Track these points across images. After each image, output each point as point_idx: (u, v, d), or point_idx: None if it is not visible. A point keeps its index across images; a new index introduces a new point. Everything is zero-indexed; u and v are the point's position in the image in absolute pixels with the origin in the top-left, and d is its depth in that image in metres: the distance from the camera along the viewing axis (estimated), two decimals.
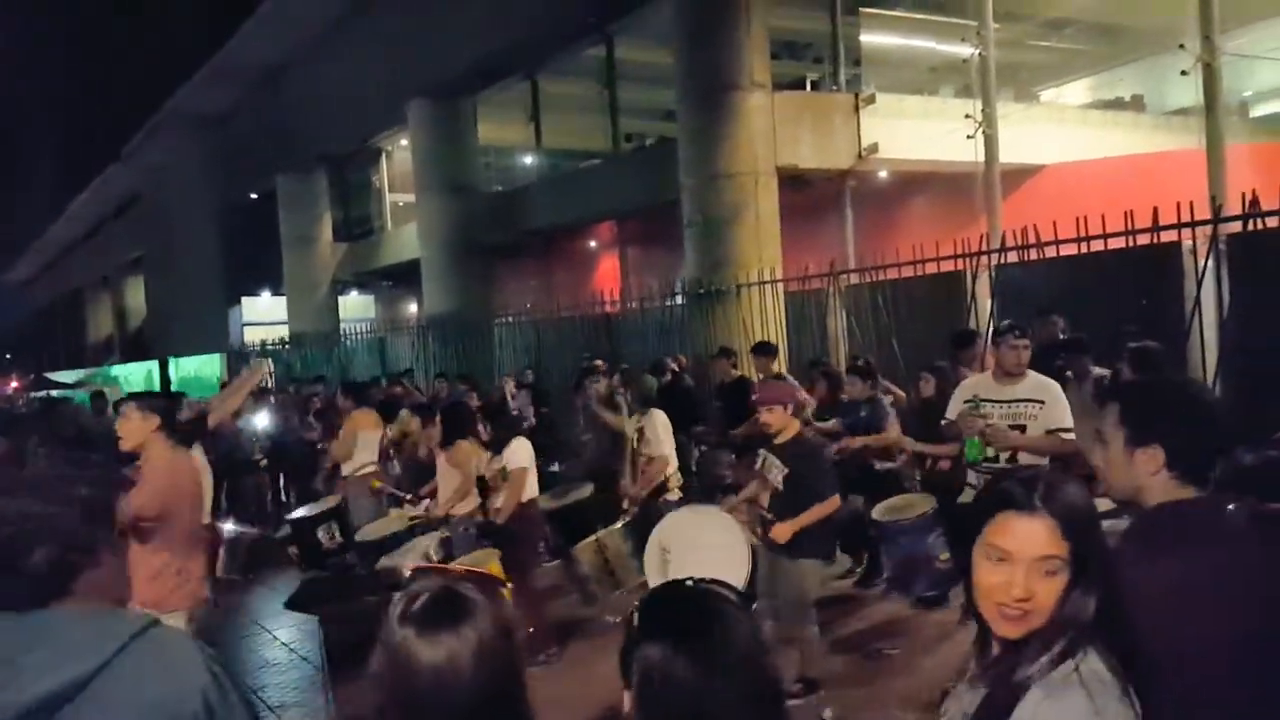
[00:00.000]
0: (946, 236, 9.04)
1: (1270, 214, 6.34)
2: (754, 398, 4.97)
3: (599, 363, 9.14)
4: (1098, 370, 5.34)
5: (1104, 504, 1.86)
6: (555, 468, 7.39)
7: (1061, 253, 7.85)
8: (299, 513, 7.12)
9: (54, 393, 25.66)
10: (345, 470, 7.41)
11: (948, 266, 9.22)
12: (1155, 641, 1.43)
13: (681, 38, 11.76)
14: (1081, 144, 15.09)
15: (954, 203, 13.91)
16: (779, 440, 4.65)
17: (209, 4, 22.14)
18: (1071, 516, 1.39)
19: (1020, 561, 1.38)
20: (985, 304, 8.59)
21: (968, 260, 8.84)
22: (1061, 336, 6.07)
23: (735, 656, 1.16)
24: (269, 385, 15.01)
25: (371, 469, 7.34)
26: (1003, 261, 8.50)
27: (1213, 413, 1.79)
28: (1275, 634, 1.34)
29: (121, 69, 30.81)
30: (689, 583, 1.30)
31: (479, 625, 1.21)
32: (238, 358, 22.25)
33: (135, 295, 39.78)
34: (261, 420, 9.85)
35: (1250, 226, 6.50)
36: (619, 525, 5.54)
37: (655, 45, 12.91)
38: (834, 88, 13.93)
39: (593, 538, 5.41)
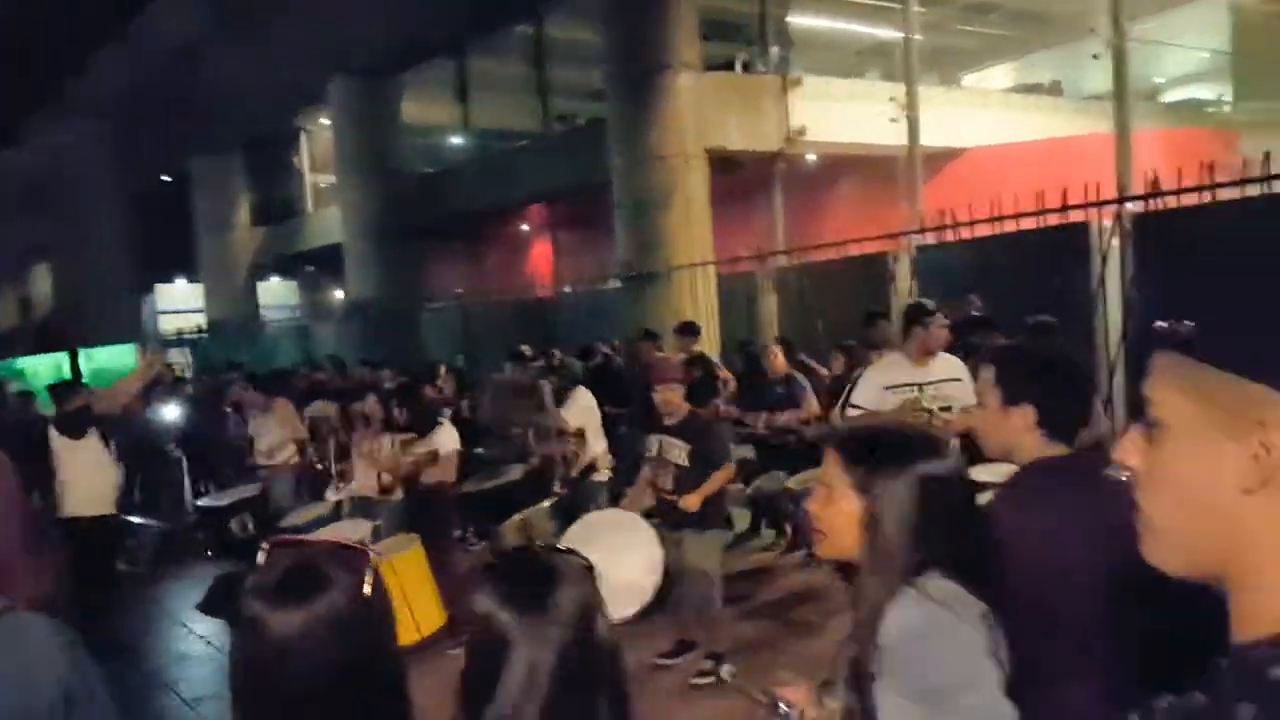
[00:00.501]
0: (872, 219, 9.23)
1: (1169, 193, 6.60)
2: (652, 377, 4.96)
3: (525, 348, 9.04)
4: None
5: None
6: (480, 451, 7.29)
7: (978, 233, 8.05)
8: (206, 501, 6.91)
9: None
10: (263, 460, 7.21)
11: (871, 248, 9.39)
12: (1025, 589, 1.52)
13: (609, 17, 11.64)
14: (1003, 128, 15.47)
15: (880, 185, 14.14)
16: (672, 421, 4.72)
17: None
18: (854, 448, 1.56)
19: (819, 488, 1.60)
20: (905, 284, 8.78)
21: (889, 242, 9.01)
22: (974, 315, 6.25)
23: (564, 617, 1.20)
24: (185, 375, 14.53)
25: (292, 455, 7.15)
26: (922, 243, 8.67)
27: (1081, 375, 1.91)
28: (1132, 584, 1.41)
29: (19, 47, 29.25)
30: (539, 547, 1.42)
31: (333, 599, 1.16)
32: (155, 347, 21.47)
33: (41, 284, 38.02)
34: (172, 411, 9.53)
35: (1151, 206, 6.76)
36: (545, 504, 5.54)
37: (586, 24, 12.76)
38: (762, 70, 13.99)
39: (518, 516, 5.40)
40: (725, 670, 4.48)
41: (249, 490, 6.81)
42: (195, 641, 6.13)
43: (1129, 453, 0.77)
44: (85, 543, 5.57)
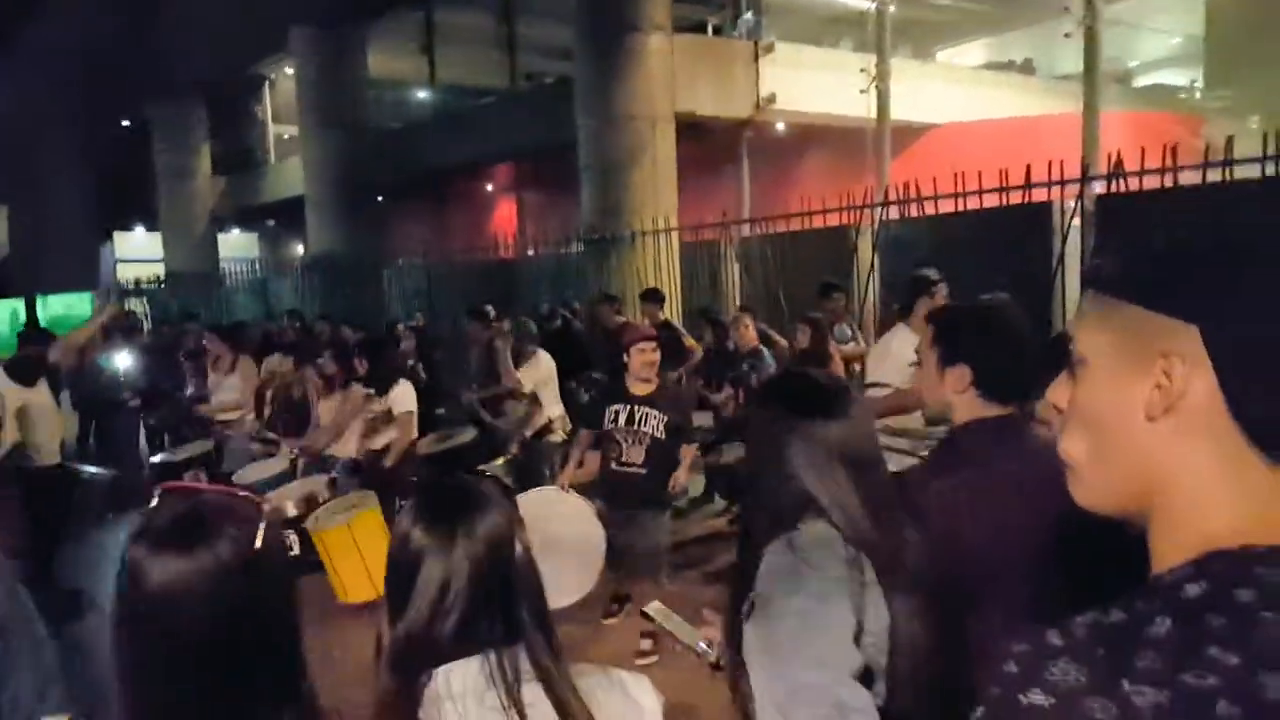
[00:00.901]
0: (839, 190, 9.18)
1: (1131, 174, 6.63)
2: (624, 339, 4.70)
3: (488, 308, 8.95)
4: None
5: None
6: (440, 412, 7.23)
7: (941, 209, 8.06)
8: (161, 457, 6.79)
9: None
10: (219, 415, 7.10)
11: (835, 220, 9.38)
12: (955, 543, 1.57)
13: None
14: (974, 105, 15.48)
15: (848, 157, 14.11)
16: (647, 390, 4.47)
17: None
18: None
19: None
20: (868, 258, 8.79)
21: (852, 214, 9.00)
22: None
23: (478, 536, 1.25)
24: (140, 325, 14.24)
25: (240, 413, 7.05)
26: (885, 217, 8.67)
27: (1020, 337, 1.89)
28: (1058, 541, 1.47)
29: None
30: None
31: (217, 550, 1.13)
32: (109, 296, 20.99)
33: None
34: (126, 360, 9.33)
35: (1114, 188, 6.79)
36: (499, 462, 5.48)
37: None
38: (735, 34, 13.84)
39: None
40: (654, 608, 4.44)
41: (203, 445, 6.70)
42: None
43: (1058, 395, 0.79)
44: (34, 492, 5.46)
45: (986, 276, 6.45)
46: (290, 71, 18.67)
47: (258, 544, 1.17)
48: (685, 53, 12.04)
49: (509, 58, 16.12)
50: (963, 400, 1.81)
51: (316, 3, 16.03)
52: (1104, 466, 0.74)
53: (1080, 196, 6.92)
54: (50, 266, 27.67)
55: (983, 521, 1.64)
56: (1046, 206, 7.24)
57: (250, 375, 7.18)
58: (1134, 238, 0.84)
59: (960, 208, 7.89)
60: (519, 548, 1.28)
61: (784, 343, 7.32)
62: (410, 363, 7.81)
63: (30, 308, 22.74)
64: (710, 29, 14.48)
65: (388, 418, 5.46)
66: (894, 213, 8.71)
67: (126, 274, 23.35)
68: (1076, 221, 6.90)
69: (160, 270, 21.10)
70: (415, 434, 5.65)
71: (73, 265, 25.88)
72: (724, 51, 13.14)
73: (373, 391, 5.58)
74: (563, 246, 11.96)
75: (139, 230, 25.72)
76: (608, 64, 11.10)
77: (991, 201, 7.61)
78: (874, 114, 12.83)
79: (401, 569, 1.25)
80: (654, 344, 4.49)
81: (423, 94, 19.77)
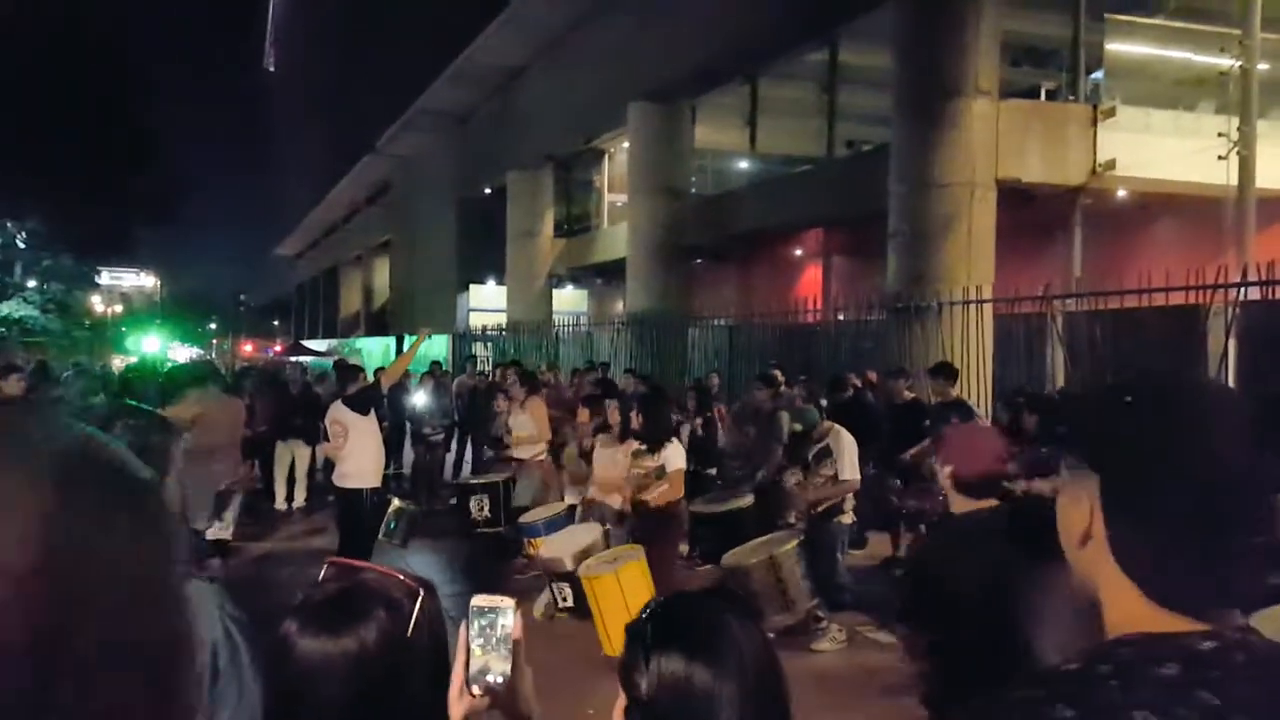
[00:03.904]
0: (1189, 266, 8.11)
1: None
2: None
3: (777, 372, 8.97)
4: None
5: None
6: (712, 471, 7.34)
7: None
8: (460, 479, 7.52)
9: (307, 359, 28.72)
10: (515, 452, 7.71)
11: (1180, 298, 8.30)
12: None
13: (903, 40, 11.32)
14: None
15: (1203, 230, 12.47)
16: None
17: (454, 8, 23.78)
18: None
19: None
20: (1220, 343, 7.66)
21: (1203, 293, 7.90)
22: None
23: (744, 662, 1.19)
24: (484, 368, 16.04)
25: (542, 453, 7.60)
26: (1244, 297, 7.53)
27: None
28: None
29: (378, 68, 33.85)
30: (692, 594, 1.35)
31: (363, 634, 1.15)
32: (462, 340, 23.81)
33: (381, 275, 43.55)
34: (422, 399, 10.64)
35: None
36: (792, 545, 5.37)
37: (881, 48, 12.44)
38: (1070, 97, 12.88)
39: (767, 555, 5.31)
40: None
41: (498, 476, 7.33)
42: None
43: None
44: (354, 511, 6.25)
45: None
46: (626, 144, 20.25)
47: (409, 631, 1.17)
48: (1013, 117, 11.41)
49: (828, 126, 16.24)
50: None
51: (653, 80, 17.32)
52: (1072, 561, 0.97)
53: None
54: (419, 311, 32.05)
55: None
56: None
57: (540, 418, 7.73)
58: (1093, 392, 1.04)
59: None
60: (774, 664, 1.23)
61: None
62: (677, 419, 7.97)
63: (399, 345, 26.41)
64: (1044, 94, 13.60)
65: (660, 473, 5.63)
66: (1254, 293, 7.54)
67: (477, 321, 26.24)
68: None
69: (503, 319, 23.53)
70: (683, 491, 5.76)
71: (437, 311, 29.76)
72: (1056, 115, 12.27)
73: (644, 447, 5.79)
74: (865, 313, 11.70)
75: (490, 283, 28.92)
76: (925, 130, 10.83)
77: None
78: (1233, 181, 11.26)
79: (675, 713, 1.19)
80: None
81: (744, 163, 20.49)
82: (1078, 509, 0.92)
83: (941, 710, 2.50)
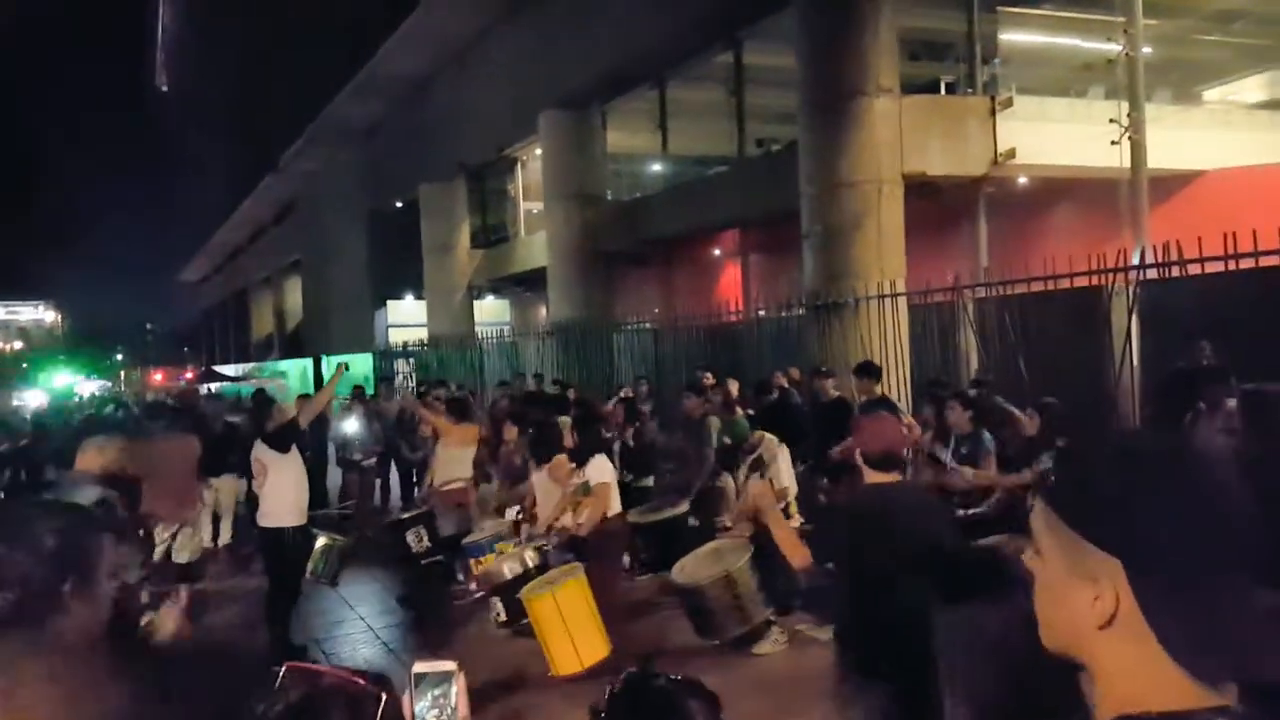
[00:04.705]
0: (1090, 249, 8.42)
1: None
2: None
3: (708, 376, 9.03)
4: (1231, 403, 4.80)
5: None
6: (649, 482, 7.33)
7: (1209, 270, 7.18)
8: (393, 516, 7.38)
9: (218, 386, 27.78)
10: (435, 484, 7.56)
11: (1083, 282, 8.62)
12: None
13: (805, 43, 11.49)
14: (1248, 149, 13.80)
15: (1100, 212, 13.00)
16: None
17: (356, 20, 23.31)
18: None
19: None
20: (1123, 324, 7.98)
21: (1104, 275, 8.22)
22: (1206, 364, 5.54)
23: None
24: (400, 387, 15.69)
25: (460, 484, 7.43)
26: (1142, 278, 7.85)
27: None
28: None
29: (278, 82, 32.93)
30: (660, 679, 1.31)
31: None
32: (383, 358, 23.34)
33: (293, 296, 42.44)
34: (352, 425, 10.40)
35: None
36: (746, 559, 5.33)
37: (785, 49, 12.62)
38: (969, 90, 13.29)
39: (722, 571, 5.27)
40: None
41: (424, 507, 7.20)
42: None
43: (1028, 562, 1.01)
44: (279, 550, 6.07)
45: (1272, 350, 5.62)
46: (539, 152, 20.14)
47: None
48: (915, 112, 11.70)
49: (738, 127, 16.43)
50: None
51: (563, 87, 17.27)
52: (1051, 631, 0.97)
53: None
54: (335, 330, 31.37)
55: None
56: None
57: (470, 441, 7.60)
58: (1080, 465, 0.99)
59: (1235, 268, 6.98)
60: None
61: (1025, 420, 6.75)
62: (609, 435, 7.87)
63: (317, 366, 25.77)
64: (943, 87, 13.98)
65: (585, 489, 5.60)
66: (1153, 273, 7.87)
67: (397, 337, 25.77)
68: None
69: (424, 334, 23.15)
70: (613, 505, 5.73)
71: (354, 329, 29.14)
72: (957, 108, 12.64)
73: (575, 465, 5.75)
74: (785, 311, 11.86)
75: (408, 298, 28.44)
76: (831, 130, 11.02)
77: (1275, 260, 6.67)
78: (1128, 164, 11.76)
79: None
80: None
81: (658, 166, 20.58)
82: (1090, 592, 0.90)
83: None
